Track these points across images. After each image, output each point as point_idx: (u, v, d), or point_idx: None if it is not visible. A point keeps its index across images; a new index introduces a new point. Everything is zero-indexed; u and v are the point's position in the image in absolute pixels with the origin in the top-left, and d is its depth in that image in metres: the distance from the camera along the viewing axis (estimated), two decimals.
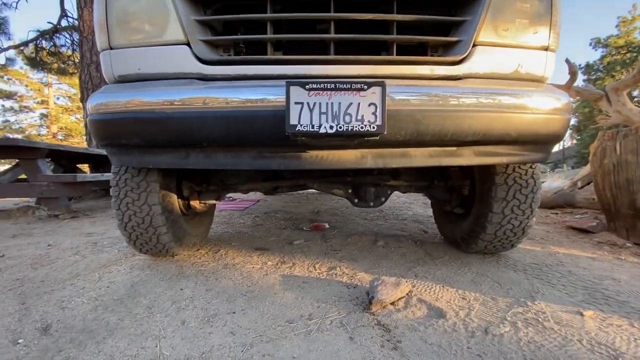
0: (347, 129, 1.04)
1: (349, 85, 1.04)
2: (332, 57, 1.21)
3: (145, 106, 1.16)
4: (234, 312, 1.15)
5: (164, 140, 1.20)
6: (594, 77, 20.51)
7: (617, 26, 20.56)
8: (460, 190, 1.81)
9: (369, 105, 1.05)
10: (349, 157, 1.21)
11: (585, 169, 3.02)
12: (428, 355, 0.91)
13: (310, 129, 1.04)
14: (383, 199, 1.87)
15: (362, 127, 1.05)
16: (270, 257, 1.79)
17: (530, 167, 1.54)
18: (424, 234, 2.41)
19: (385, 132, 1.05)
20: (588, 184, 2.97)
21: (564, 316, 1.12)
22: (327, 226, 2.60)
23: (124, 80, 1.26)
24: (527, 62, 1.28)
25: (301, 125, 1.04)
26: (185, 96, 1.15)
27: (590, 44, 21.34)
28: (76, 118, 22.39)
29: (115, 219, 1.55)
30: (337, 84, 1.05)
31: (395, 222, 2.90)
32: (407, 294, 1.28)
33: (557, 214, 3.17)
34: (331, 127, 1.04)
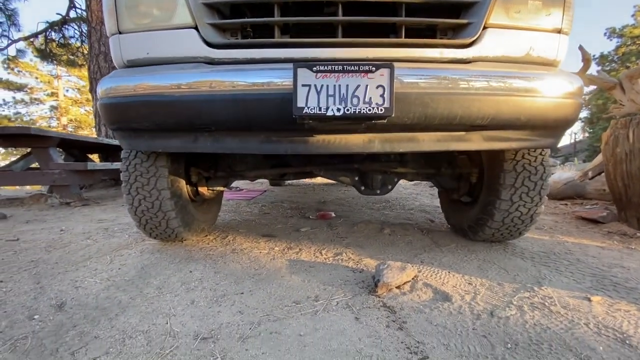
0: (354, 112, 1.04)
1: (356, 67, 1.04)
2: (339, 39, 1.20)
3: (153, 90, 1.17)
4: (242, 293, 1.18)
5: (172, 123, 1.21)
6: (608, 68, 19.93)
7: (633, 15, 19.88)
8: (468, 178, 1.79)
9: (377, 87, 1.04)
10: (356, 142, 1.21)
11: (597, 159, 2.97)
12: (433, 335, 0.92)
13: (318, 112, 1.04)
14: (390, 187, 1.87)
15: (369, 110, 1.04)
16: (277, 243, 1.81)
17: (540, 153, 1.52)
18: (431, 223, 2.41)
19: (393, 115, 1.05)
20: (599, 174, 2.91)
21: (571, 301, 1.11)
22: (333, 215, 2.61)
23: (133, 64, 1.27)
24: (539, 45, 1.26)
25: (308, 108, 1.04)
26: (193, 80, 1.15)
27: (605, 34, 20.72)
28: (85, 110, 22.64)
29: (126, 203, 1.57)
30: (345, 66, 1.04)
31: (401, 211, 2.89)
32: (413, 278, 1.28)
33: (566, 204, 3.13)
34: (338, 110, 1.04)
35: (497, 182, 1.56)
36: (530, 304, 1.10)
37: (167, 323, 0.98)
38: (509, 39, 1.23)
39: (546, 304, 1.10)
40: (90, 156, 4.69)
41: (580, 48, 3.42)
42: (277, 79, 1.11)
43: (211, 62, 1.21)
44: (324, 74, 1.04)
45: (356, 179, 1.87)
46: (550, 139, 1.31)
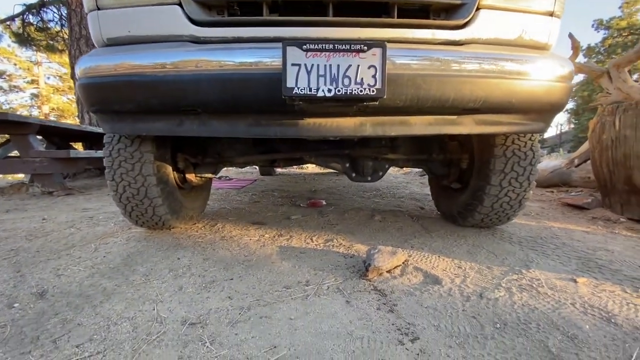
0: (345, 92, 1.01)
1: (348, 46, 1.00)
2: (330, 18, 1.16)
3: (136, 69, 1.12)
4: (231, 279, 1.16)
5: (156, 105, 1.16)
6: (594, 59, 20.25)
7: (620, 7, 20.14)
8: (459, 164, 1.80)
9: (369, 67, 1.02)
10: (347, 125, 1.19)
11: (583, 147, 3.02)
12: (423, 316, 0.92)
13: (308, 92, 1.01)
14: (381, 173, 1.86)
15: (361, 91, 1.02)
16: (268, 231, 1.78)
17: (530, 138, 1.53)
18: (421, 210, 2.42)
19: (385, 97, 1.02)
20: (585, 161, 2.97)
21: (557, 282, 1.13)
22: (324, 203, 2.60)
23: (113, 43, 1.21)
24: (532, 27, 1.24)
25: (298, 88, 1.01)
26: (178, 59, 1.11)
27: (593, 26, 20.97)
28: (68, 99, 21.88)
29: (110, 190, 1.52)
30: (336, 45, 1.01)
31: (392, 199, 2.90)
32: (403, 262, 1.29)
33: (552, 192, 3.19)
34: (329, 91, 1.01)
35: (487, 168, 1.56)
36: (518, 286, 1.11)
37: (154, 309, 0.95)
38: (501, 21, 1.22)
39: (534, 285, 1.11)
40: (74, 145, 4.54)
41: (570, 36, 3.44)
42: (265, 59, 1.07)
43: (197, 40, 1.16)
44: (314, 52, 1.01)
45: (347, 165, 1.85)
46: (540, 123, 1.31)
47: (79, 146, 4.74)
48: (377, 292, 1.06)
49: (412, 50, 1.10)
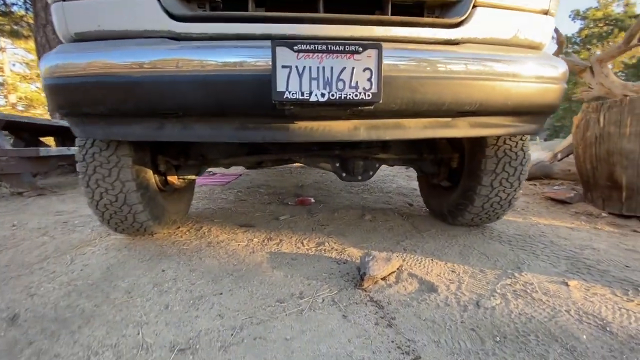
0: (340, 97, 0.95)
1: (342, 47, 0.94)
2: (321, 15, 1.08)
3: (108, 69, 1.01)
4: (220, 294, 1.10)
5: (132, 108, 1.06)
6: (570, 50, 20.80)
7: None
8: (449, 163, 1.78)
9: (364, 70, 0.96)
10: (340, 129, 1.13)
11: (566, 141, 3.08)
12: (423, 331, 0.90)
13: (300, 97, 0.94)
14: (371, 173, 1.82)
15: (356, 95, 0.96)
16: (256, 234, 1.73)
17: (521, 139, 1.52)
18: (410, 206, 2.41)
19: (381, 101, 0.97)
20: (567, 155, 3.04)
21: (550, 287, 1.14)
22: (312, 200, 2.55)
23: (82, 38, 1.09)
24: (527, 26, 1.21)
25: (289, 93, 0.94)
26: (155, 58, 1.01)
27: (570, 16, 21.47)
28: (36, 87, 20.63)
29: (85, 196, 1.42)
30: (330, 46, 0.94)
31: (380, 195, 2.89)
32: (397, 268, 1.26)
33: (535, 185, 3.26)
34: (322, 95, 0.95)
35: (479, 168, 1.55)
36: (513, 292, 1.11)
37: (138, 333, 0.89)
38: (497, 19, 1.18)
39: (528, 290, 1.11)
40: (45, 140, 4.28)
41: (555, 30, 3.47)
42: (252, 59, 0.99)
43: (176, 37, 1.07)
44: (306, 53, 0.94)
45: (337, 165, 1.80)
46: (534, 124, 1.29)
47: (50, 141, 4.47)
48: (374, 304, 1.03)
49: (408, 51, 1.04)
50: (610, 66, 2.92)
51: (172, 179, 1.70)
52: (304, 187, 3.35)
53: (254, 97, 1.00)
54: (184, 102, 1.03)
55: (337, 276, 1.23)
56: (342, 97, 0.95)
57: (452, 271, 1.28)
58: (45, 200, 2.74)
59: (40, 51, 4.55)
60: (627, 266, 1.32)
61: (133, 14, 1.06)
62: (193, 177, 1.78)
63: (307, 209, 2.31)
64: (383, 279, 1.19)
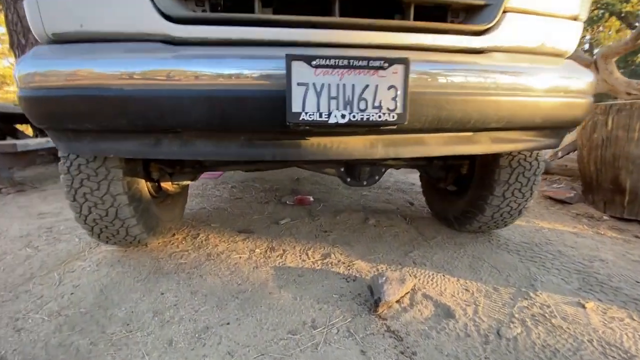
0: (361, 119, 0.86)
1: (365, 63, 0.84)
2: (337, 19, 0.97)
3: (97, 80, 0.88)
4: (227, 323, 1.03)
5: (123, 125, 0.94)
6: None
7: None
8: (459, 169, 1.72)
9: (389, 88, 0.86)
10: (357, 146, 1.04)
11: (567, 139, 3.07)
12: None
13: (318, 119, 0.84)
14: (377, 177, 1.74)
15: (380, 116, 0.86)
16: (257, 243, 1.65)
17: None
18: (411, 206, 2.37)
19: (407, 123, 0.88)
20: (568, 153, 3.03)
21: (568, 310, 1.11)
22: (311, 199, 2.47)
23: (60, 39, 0.95)
24: (555, 33, 1.13)
25: (306, 114, 0.84)
26: (149, 68, 0.89)
27: None
28: (10, 63, 19.34)
29: (72, 211, 1.30)
30: (351, 61, 0.83)
31: (379, 191, 2.83)
32: (411, 289, 1.21)
33: None
34: (343, 116, 0.85)
35: (492, 178, 1.49)
36: (531, 317, 1.08)
37: None
38: (526, 26, 1.08)
39: (546, 315, 1.08)
40: (21, 127, 4.00)
41: None
42: (263, 71, 0.87)
43: (172, 41, 0.94)
44: (325, 69, 0.83)
45: (342, 170, 1.71)
46: (554, 139, 1.23)
47: (28, 129, 4.19)
48: (392, 335, 0.98)
49: (435, 64, 0.95)
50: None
51: (166, 185, 1.58)
52: (300, 181, 3.26)
53: (264, 117, 0.89)
54: (183, 120, 0.91)
55: (348, 298, 1.18)
56: (364, 119, 0.86)
57: (466, 289, 1.24)
58: (26, 198, 2.57)
59: (12, 30, 4.18)
60: (638, 282, 1.31)
61: (122, 14, 0.92)
62: (188, 182, 1.67)
63: (307, 210, 2.23)
64: (397, 301, 1.14)
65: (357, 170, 1.69)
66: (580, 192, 2.44)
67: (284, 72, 0.83)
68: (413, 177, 3.34)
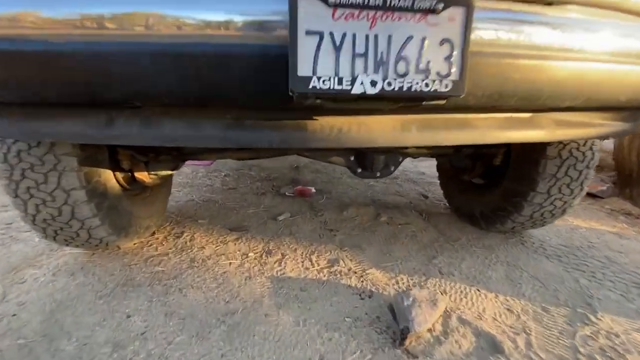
0: (401, 88, 0.58)
1: (409, 3, 0.55)
2: None
3: (14, 29, 0.60)
4: None
5: (61, 95, 0.66)
6: None
7: None
8: (491, 159, 1.45)
9: (441, 43, 0.58)
10: (383, 129, 0.76)
11: None
12: None
13: (336, 86, 0.57)
14: (393, 168, 1.46)
15: (427, 85, 0.59)
16: (252, 244, 1.39)
17: None
18: (425, 199, 2.11)
19: (464, 95, 0.61)
20: None
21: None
22: (313, 190, 2.20)
23: None
24: None
25: (319, 79, 0.56)
26: (93, 10, 0.59)
27: None
28: None
29: (15, 208, 1.03)
30: (388, 0, 0.55)
31: (387, 181, 2.56)
32: (444, 311, 0.97)
33: None
34: (373, 84, 0.58)
35: (535, 171, 1.23)
36: (600, 351, 0.84)
37: None
38: None
39: (619, 350, 0.85)
40: None
41: None
42: (254, 16, 0.59)
43: None
44: (349, 10, 0.55)
45: (351, 159, 1.43)
46: (630, 122, 0.96)
47: None
48: None
49: (502, 13, 0.66)
50: None
51: (141, 176, 1.30)
52: (300, 169, 2.99)
53: (257, 84, 0.62)
54: (143, 87, 0.64)
55: (365, 323, 0.93)
56: (405, 89, 0.58)
57: (509, 310, 1.00)
58: None
59: None
60: None
61: None
62: (168, 172, 1.40)
63: (309, 202, 1.97)
64: (428, 330, 0.90)
65: (369, 159, 1.41)
66: (612, 184, 2.19)
67: (286, 15, 0.55)
68: (422, 165, 3.07)
